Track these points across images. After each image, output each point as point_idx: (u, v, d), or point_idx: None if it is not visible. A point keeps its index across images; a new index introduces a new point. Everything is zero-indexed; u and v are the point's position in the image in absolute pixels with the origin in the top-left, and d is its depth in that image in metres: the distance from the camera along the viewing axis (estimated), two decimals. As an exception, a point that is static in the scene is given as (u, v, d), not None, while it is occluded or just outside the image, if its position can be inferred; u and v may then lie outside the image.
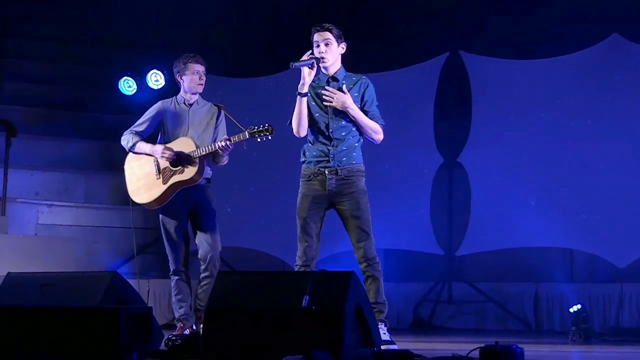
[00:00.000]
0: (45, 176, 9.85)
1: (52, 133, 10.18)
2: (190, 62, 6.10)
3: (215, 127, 6.14)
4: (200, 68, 6.12)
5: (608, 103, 8.53)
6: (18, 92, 10.36)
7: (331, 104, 5.33)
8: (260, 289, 4.32)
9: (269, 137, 5.73)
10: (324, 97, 5.34)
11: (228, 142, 5.82)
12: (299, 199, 5.44)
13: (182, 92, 6.22)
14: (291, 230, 9.36)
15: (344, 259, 8.05)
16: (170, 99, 6.27)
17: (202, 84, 6.14)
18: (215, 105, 6.22)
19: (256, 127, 5.73)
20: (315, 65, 5.33)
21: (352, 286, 4.18)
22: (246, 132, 5.77)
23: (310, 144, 5.46)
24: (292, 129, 5.41)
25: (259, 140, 5.74)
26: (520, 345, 4.14)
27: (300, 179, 5.47)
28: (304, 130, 5.39)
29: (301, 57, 5.34)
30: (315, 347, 3.86)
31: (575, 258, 9.21)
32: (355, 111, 5.35)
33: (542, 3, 9.08)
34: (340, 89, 5.37)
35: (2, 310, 4.58)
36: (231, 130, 6.07)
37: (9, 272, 5.02)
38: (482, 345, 4.12)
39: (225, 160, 6.07)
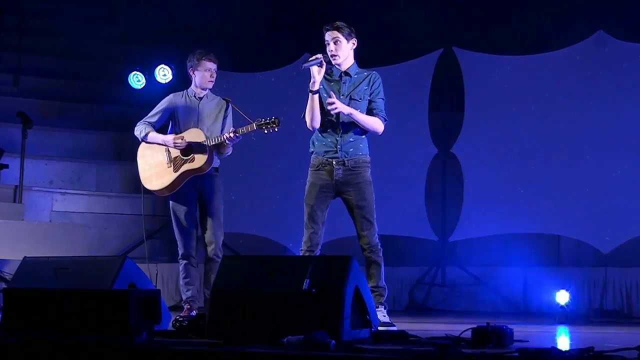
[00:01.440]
0: (59, 166, 9.85)
1: (65, 125, 10.18)
2: (204, 60, 6.10)
3: (224, 120, 6.15)
4: (213, 66, 6.12)
5: (594, 97, 8.53)
6: (34, 86, 10.35)
7: (335, 111, 5.34)
8: (263, 272, 4.32)
9: (276, 129, 5.77)
10: (329, 108, 5.34)
11: (235, 134, 5.84)
12: (307, 187, 5.48)
13: (193, 86, 6.21)
14: (293, 216, 9.35)
15: (343, 245, 8.06)
16: (182, 92, 6.27)
17: (212, 81, 6.16)
18: (223, 99, 6.22)
19: (263, 120, 5.78)
20: (324, 64, 5.36)
21: (351, 270, 4.18)
22: (254, 124, 5.80)
23: (319, 135, 5.50)
24: (306, 122, 5.46)
25: (265, 132, 5.78)
26: (510, 326, 4.14)
27: (309, 168, 5.51)
28: (317, 124, 5.44)
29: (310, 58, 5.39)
30: (316, 328, 3.85)
31: (562, 244, 9.22)
32: (348, 109, 5.36)
33: (531, 1, 9.07)
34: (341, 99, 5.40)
35: (18, 292, 4.58)
36: (237, 123, 6.08)
37: (25, 257, 5.01)
38: (474, 326, 4.12)
39: (229, 152, 6.08)
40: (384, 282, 5.47)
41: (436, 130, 9.29)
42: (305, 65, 5.33)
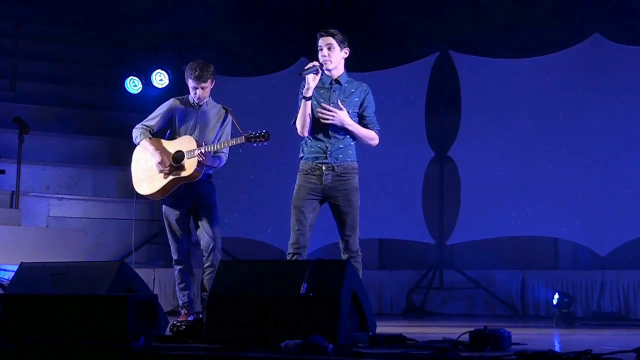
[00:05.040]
0: (55, 171, 9.85)
1: (62, 130, 10.18)
2: (190, 78, 6.02)
3: (220, 129, 6.13)
4: (199, 85, 6.01)
5: (590, 99, 8.54)
6: (30, 91, 10.35)
7: (332, 121, 5.33)
8: (260, 277, 4.32)
9: (265, 143, 5.75)
10: (321, 115, 5.34)
11: (202, 151, 5.83)
12: (295, 189, 5.46)
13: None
14: (290, 220, 9.29)
15: (336, 250, 8.06)
16: (183, 97, 6.24)
17: (200, 98, 6.06)
18: (224, 108, 6.19)
19: (253, 133, 5.75)
20: (320, 71, 5.37)
21: (347, 274, 4.18)
22: (243, 137, 5.78)
23: (309, 140, 5.48)
24: (297, 128, 5.46)
25: (255, 145, 5.75)
26: (507, 329, 4.14)
27: (298, 173, 5.49)
28: (307, 131, 5.43)
29: (306, 65, 5.40)
30: (313, 332, 3.85)
31: (559, 246, 9.23)
32: (352, 126, 5.39)
33: (526, 4, 9.08)
34: (337, 105, 5.38)
35: (15, 298, 4.58)
36: (236, 133, 6.05)
37: (22, 262, 5.00)
38: (472, 329, 4.12)
39: (217, 164, 6.03)
40: None
41: (433, 133, 9.30)
42: (304, 73, 5.35)
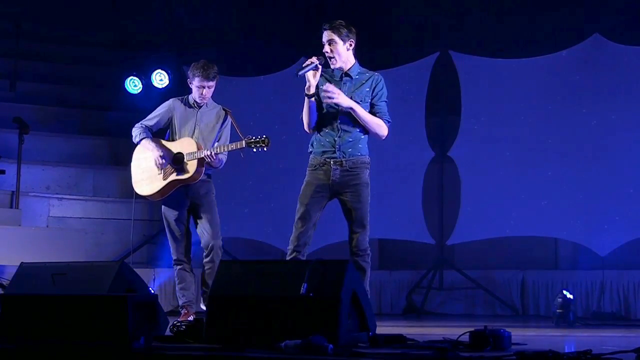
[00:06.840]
0: (55, 171, 9.85)
1: (62, 130, 10.19)
2: (198, 76, 6.02)
3: (220, 131, 6.13)
4: (206, 83, 6.03)
5: (590, 99, 8.54)
6: (30, 92, 10.36)
7: (335, 100, 5.19)
8: (261, 277, 4.32)
9: (265, 149, 5.70)
10: (325, 96, 5.22)
11: (212, 154, 5.83)
12: (303, 185, 5.35)
13: (193, 94, 6.18)
14: (291, 220, 9.30)
15: (338, 250, 8.06)
16: (183, 97, 6.24)
17: (204, 98, 6.08)
18: (223, 109, 6.18)
19: (253, 138, 5.70)
20: (320, 67, 5.24)
21: (348, 274, 4.18)
22: (243, 141, 5.75)
23: (318, 135, 5.37)
24: (303, 124, 5.37)
25: (254, 150, 5.72)
26: (507, 329, 4.14)
27: (307, 168, 5.38)
28: (311, 127, 5.34)
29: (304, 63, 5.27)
30: (313, 332, 3.85)
31: (559, 246, 9.23)
32: (355, 107, 5.25)
33: (527, 4, 9.09)
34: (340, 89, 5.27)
35: (16, 298, 4.58)
36: (235, 135, 6.04)
37: (22, 262, 4.99)
38: (472, 329, 4.12)
39: (218, 165, 6.02)
40: (367, 286, 5.40)
41: (433, 133, 9.30)
42: (301, 72, 5.22)
